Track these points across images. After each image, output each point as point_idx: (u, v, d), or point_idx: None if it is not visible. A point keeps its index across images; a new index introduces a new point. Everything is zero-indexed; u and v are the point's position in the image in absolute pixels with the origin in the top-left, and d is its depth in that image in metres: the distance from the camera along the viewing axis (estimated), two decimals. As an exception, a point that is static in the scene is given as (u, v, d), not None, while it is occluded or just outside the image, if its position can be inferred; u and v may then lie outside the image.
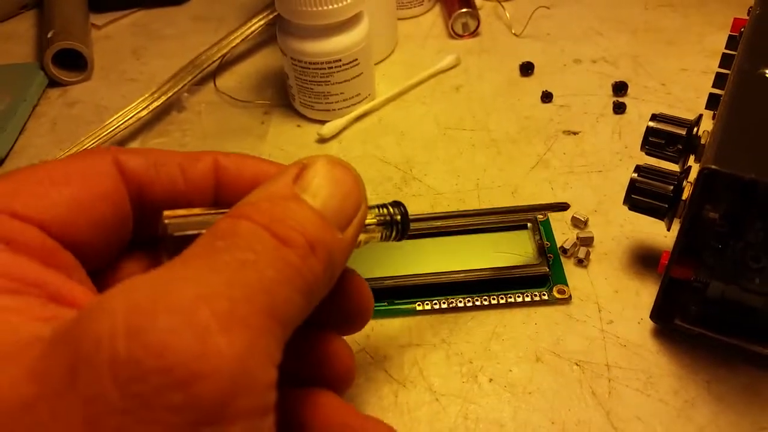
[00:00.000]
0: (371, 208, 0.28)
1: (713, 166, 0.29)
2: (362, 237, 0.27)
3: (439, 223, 0.42)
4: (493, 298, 0.39)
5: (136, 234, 0.27)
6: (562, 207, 0.40)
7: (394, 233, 0.29)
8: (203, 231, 0.22)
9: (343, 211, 0.24)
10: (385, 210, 0.29)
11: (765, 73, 0.32)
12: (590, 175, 0.46)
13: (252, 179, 0.27)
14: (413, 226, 0.30)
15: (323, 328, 0.29)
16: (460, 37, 0.60)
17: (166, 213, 0.25)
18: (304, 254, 0.22)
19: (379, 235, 0.28)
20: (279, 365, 0.20)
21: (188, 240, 0.22)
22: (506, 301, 0.38)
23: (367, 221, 0.27)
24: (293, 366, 0.25)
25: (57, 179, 0.24)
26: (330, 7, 0.46)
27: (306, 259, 0.22)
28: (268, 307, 0.20)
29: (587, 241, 0.41)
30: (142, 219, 0.26)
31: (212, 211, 0.25)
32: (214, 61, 0.55)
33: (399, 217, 0.29)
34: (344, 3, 0.46)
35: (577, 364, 0.36)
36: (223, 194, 0.27)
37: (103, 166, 0.25)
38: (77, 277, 0.24)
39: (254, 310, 0.20)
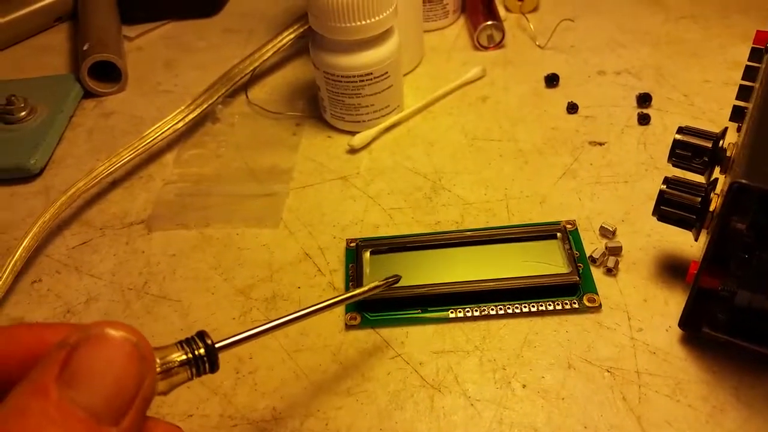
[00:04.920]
0: (171, 347, 0.27)
1: (743, 181, 0.30)
2: (162, 386, 0.26)
3: (469, 233, 0.44)
4: (525, 307, 0.40)
5: None
6: (395, 281, 0.39)
7: (203, 368, 0.27)
8: None
9: (117, 400, 0.22)
10: (187, 347, 0.27)
11: (793, 89, 0.33)
12: (617, 186, 0.47)
13: (27, 354, 0.24)
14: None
15: None
16: (485, 49, 0.61)
17: None
18: None
19: (187, 374, 0.27)
20: None
21: None
22: (537, 309, 0.40)
23: (169, 365, 0.26)
24: None
25: None
26: (363, 22, 0.47)
27: None
28: None
29: (616, 251, 0.42)
30: None
31: None
32: (246, 74, 0.57)
33: (202, 351, 0.27)
34: (377, 18, 0.47)
35: (608, 371, 0.37)
36: None
37: None
38: None
39: None
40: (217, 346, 0.28)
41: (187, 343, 0.27)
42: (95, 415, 0.21)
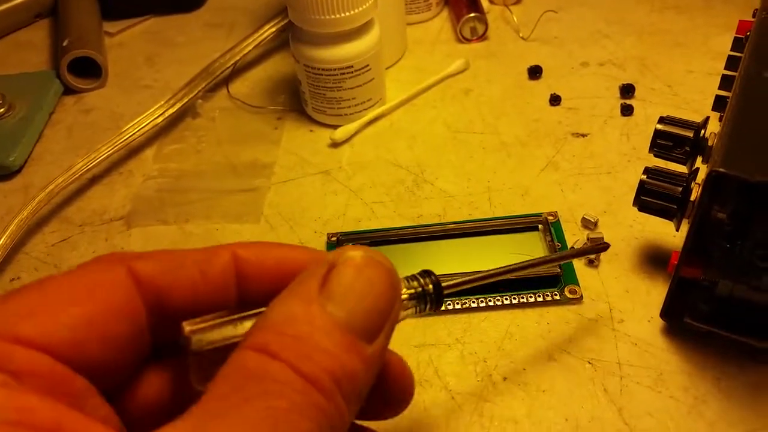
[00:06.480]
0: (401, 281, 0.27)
1: (721, 169, 0.29)
2: None
3: (452, 226, 0.43)
4: (506, 299, 0.39)
5: (157, 341, 0.25)
6: (603, 248, 0.38)
7: (428, 306, 0.27)
8: (229, 341, 0.23)
9: (373, 318, 0.23)
10: (415, 282, 0.27)
11: (771, 76, 0.33)
12: (599, 177, 0.47)
13: (275, 269, 0.26)
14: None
15: (362, 416, 0.27)
16: (469, 41, 0.61)
17: (187, 327, 0.23)
18: (331, 394, 0.21)
19: (413, 310, 0.27)
20: None
21: (215, 354, 0.22)
22: (519, 301, 0.39)
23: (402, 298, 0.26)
24: None
25: (64, 297, 0.22)
26: (342, 15, 0.47)
27: (332, 399, 0.21)
28: None
29: (597, 242, 0.42)
30: (162, 326, 0.25)
31: (235, 316, 0.24)
32: (226, 68, 0.56)
33: (431, 287, 0.27)
34: (356, 11, 0.47)
35: (589, 363, 0.36)
36: (246, 289, 0.26)
37: (116, 278, 0.23)
38: (92, 403, 0.22)
39: None
40: (443, 284, 0.28)
41: (414, 278, 0.27)
42: (353, 331, 0.22)
